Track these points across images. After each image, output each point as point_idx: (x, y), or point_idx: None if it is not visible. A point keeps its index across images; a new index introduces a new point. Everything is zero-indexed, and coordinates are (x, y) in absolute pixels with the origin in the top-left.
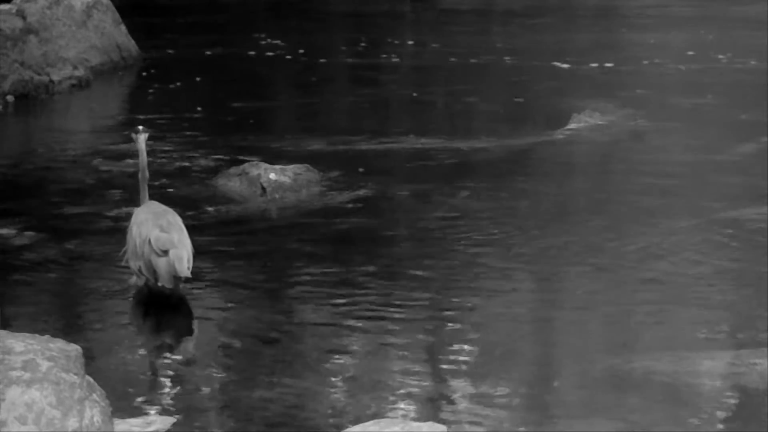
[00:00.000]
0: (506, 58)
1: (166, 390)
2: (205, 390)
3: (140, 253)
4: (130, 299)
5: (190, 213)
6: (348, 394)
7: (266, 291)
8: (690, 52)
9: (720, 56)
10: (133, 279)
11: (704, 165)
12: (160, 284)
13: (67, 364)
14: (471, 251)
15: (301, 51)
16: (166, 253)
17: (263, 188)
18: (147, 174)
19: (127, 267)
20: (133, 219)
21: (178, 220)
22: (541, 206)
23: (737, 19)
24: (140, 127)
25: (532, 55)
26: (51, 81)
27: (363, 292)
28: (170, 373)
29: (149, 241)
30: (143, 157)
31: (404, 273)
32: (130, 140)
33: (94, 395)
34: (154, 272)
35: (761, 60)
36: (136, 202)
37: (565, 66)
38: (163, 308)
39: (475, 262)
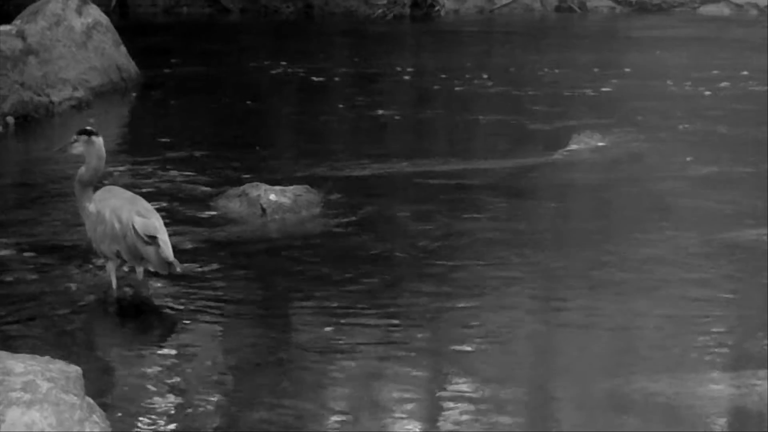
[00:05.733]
0: (505, 78)
1: (166, 411)
2: (206, 411)
3: (122, 236)
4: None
5: (189, 234)
6: (348, 415)
7: (266, 312)
8: (691, 73)
9: (721, 77)
10: (108, 265)
11: (705, 186)
12: (152, 269)
13: (67, 385)
14: (472, 272)
15: (302, 71)
16: (153, 239)
17: (263, 209)
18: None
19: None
20: (98, 204)
21: (149, 205)
22: (541, 226)
23: (738, 39)
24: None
25: (530, 75)
26: (51, 102)
27: (363, 313)
28: (170, 394)
29: (132, 227)
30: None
31: (405, 295)
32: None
33: (94, 416)
34: (140, 259)
35: (761, 81)
36: None
37: (565, 86)
38: (162, 330)
39: (476, 282)
